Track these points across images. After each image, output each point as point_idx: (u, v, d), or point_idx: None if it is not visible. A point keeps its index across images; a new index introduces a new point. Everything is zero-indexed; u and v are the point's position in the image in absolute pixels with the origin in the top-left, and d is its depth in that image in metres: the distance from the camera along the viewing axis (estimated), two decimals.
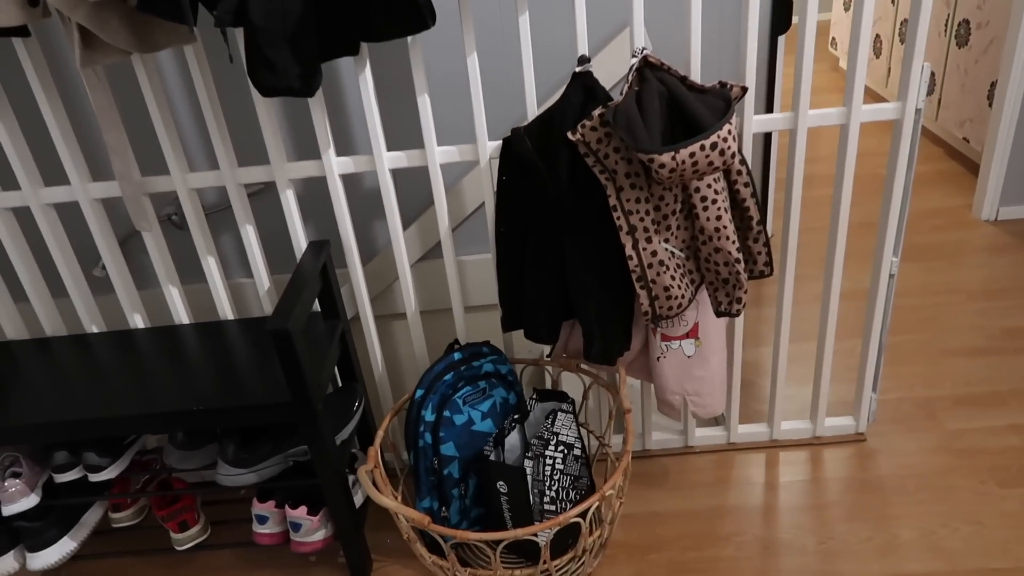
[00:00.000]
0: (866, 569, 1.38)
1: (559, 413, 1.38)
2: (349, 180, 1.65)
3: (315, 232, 1.72)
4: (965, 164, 2.90)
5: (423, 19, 1.15)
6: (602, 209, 1.26)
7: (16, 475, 1.36)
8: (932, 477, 1.56)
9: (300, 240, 1.47)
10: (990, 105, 2.54)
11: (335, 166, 1.39)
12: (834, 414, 1.71)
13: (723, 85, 1.20)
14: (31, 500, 1.37)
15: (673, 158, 1.08)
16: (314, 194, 1.67)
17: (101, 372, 1.41)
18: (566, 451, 1.35)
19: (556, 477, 1.33)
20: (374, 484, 1.32)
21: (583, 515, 1.23)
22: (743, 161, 1.27)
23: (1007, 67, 2.30)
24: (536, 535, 1.23)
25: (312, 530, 1.42)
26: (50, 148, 1.59)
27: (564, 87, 1.25)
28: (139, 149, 1.59)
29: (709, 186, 1.22)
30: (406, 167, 1.39)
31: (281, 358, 1.21)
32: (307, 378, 1.24)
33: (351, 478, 1.47)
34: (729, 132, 1.10)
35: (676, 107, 1.14)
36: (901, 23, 3.28)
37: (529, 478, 1.30)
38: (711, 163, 1.10)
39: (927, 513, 1.48)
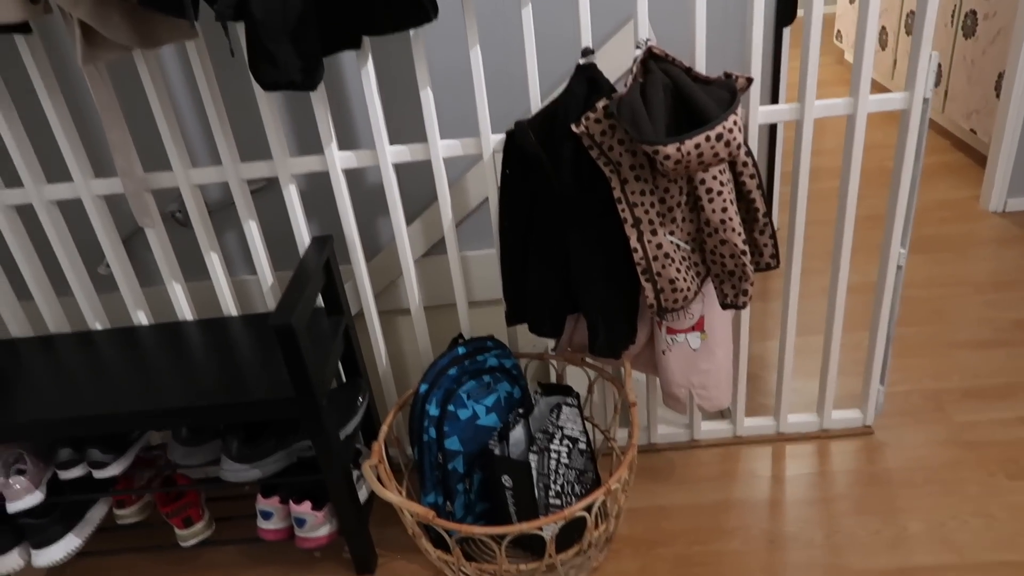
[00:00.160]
0: (874, 562, 1.37)
1: (564, 407, 1.37)
2: (352, 175, 1.64)
3: (318, 228, 1.72)
4: (972, 156, 2.89)
5: (425, 11, 1.15)
6: (606, 202, 1.25)
7: (20, 472, 1.36)
8: (940, 470, 1.55)
9: (303, 236, 1.46)
10: (997, 96, 2.52)
11: (338, 161, 1.38)
12: (841, 407, 1.70)
13: (728, 76, 1.19)
14: (36, 497, 1.37)
15: (678, 149, 1.07)
16: (317, 189, 1.67)
17: (105, 369, 1.41)
18: (571, 445, 1.34)
19: (561, 471, 1.32)
20: (378, 479, 1.32)
21: (588, 509, 1.22)
22: (749, 152, 1.26)
23: (1015, 58, 2.28)
24: (541, 529, 1.23)
25: (317, 525, 1.42)
26: (53, 145, 1.59)
27: (568, 79, 1.24)
28: (141, 145, 1.59)
29: (715, 178, 1.21)
30: (409, 161, 1.38)
31: (284, 354, 1.21)
32: (311, 374, 1.23)
33: (355, 473, 1.47)
34: (734, 123, 1.09)
35: (681, 98, 1.13)
36: (907, 15, 3.26)
37: (534, 472, 1.29)
38: (716, 154, 1.09)
39: (936, 506, 1.47)
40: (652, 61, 1.19)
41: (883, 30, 3.50)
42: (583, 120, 1.18)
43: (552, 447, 1.31)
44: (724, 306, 1.32)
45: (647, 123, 1.10)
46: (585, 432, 1.39)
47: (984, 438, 1.61)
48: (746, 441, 1.70)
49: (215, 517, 1.56)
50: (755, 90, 1.30)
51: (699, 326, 1.41)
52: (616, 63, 1.50)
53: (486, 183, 1.39)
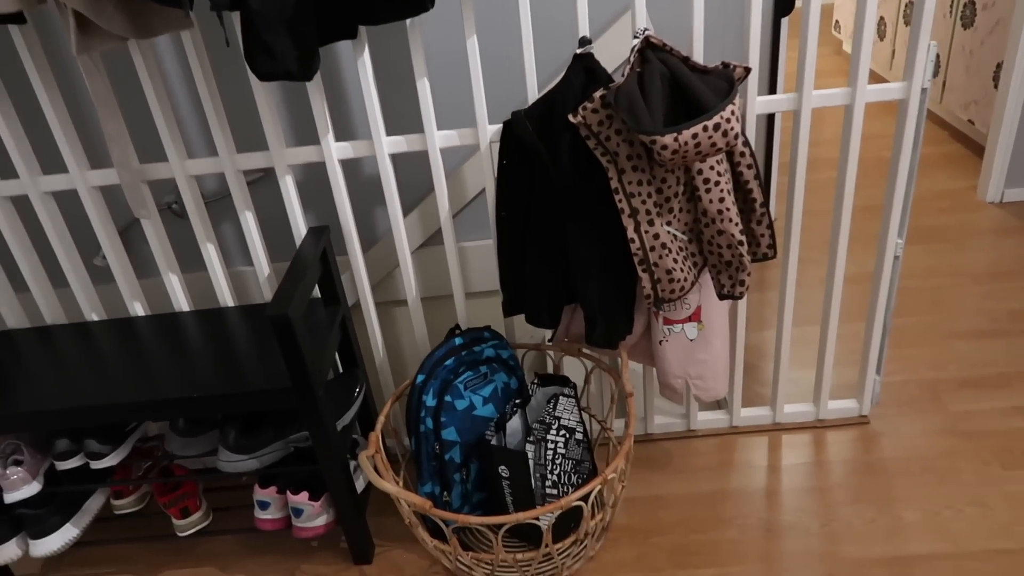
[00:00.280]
0: (870, 551, 1.38)
1: (561, 397, 1.37)
2: (349, 166, 1.64)
3: (315, 219, 1.71)
4: (970, 146, 2.88)
5: (422, 1, 1.14)
6: (604, 192, 1.25)
7: (18, 463, 1.37)
8: (936, 459, 1.55)
9: (300, 227, 1.46)
10: (996, 87, 2.52)
11: (334, 151, 1.38)
12: (837, 397, 1.70)
13: (726, 66, 1.19)
14: (33, 488, 1.37)
15: (676, 139, 1.07)
16: (314, 180, 1.67)
17: (102, 360, 1.41)
18: (568, 435, 1.35)
19: (558, 461, 1.33)
20: (375, 469, 1.32)
21: (585, 499, 1.23)
22: (746, 143, 1.26)
23: (1013, 48, 2.27)
24: (538, 519, 1.23)
25: (314, 515, 1.42)
26: (48, 136, 1.58)
27: (565, 69, 1.23)
28: (137, 136, 1.59)
29: (712, 168, 1.21)
30: (406, 152, 1.38)
31: (281, 345, 1.21)
32: (308, 364, 1.23)
33: (352, 464, 1.47)
34: (732, 113, 1.08)
35: (678, 88, 1.13)
36: (906, 5, 3.25)
37: (531, 462, 1.30)
38: (714, 144, 1.09)
39: (931, 495, 1.47)
40: (650, 51, 1.19)
41: (881, 20, 3.49)
42: (580, 110, 1.18)
43: (549, 437, 1.32)
44: (721, 296, 1.33)
45: (645, 113, 1.09)
46: (582, 422, 1.39)
47: (980, 428, 1.61)
48: (743, 431, 1.70)
49: (212, 507, 1.56)
50: (753, 80, 1.30)
51: (696, 316, 1.41)
52: (614, 53, 1.50)
53: (483, 173, 1.39)
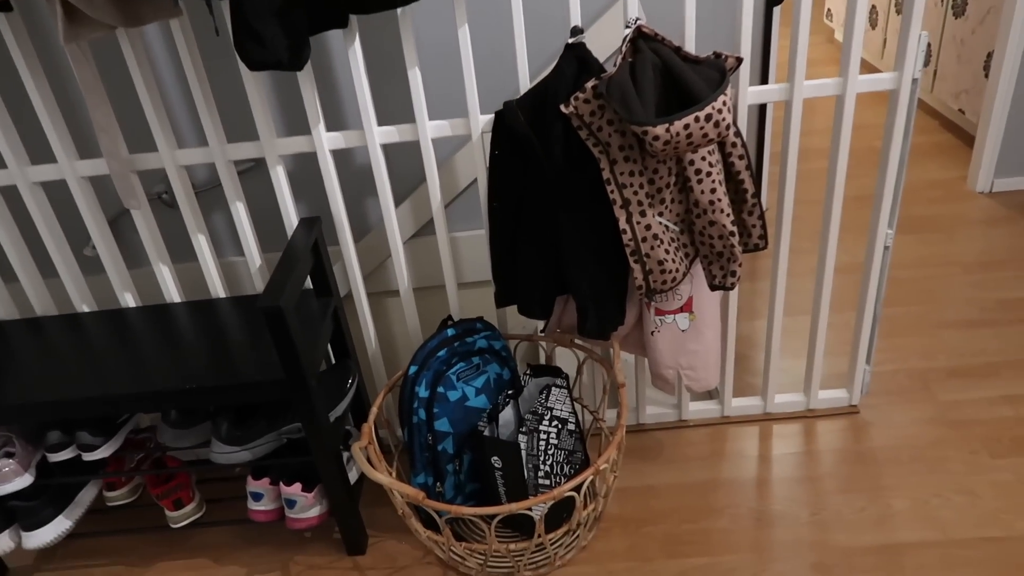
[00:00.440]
0: (859, 539, 1.39)
1: (553, 388, 1.38)
2: (340, 156, 1.63)
3: (306, 209, 1.71)
4: (961, 136, 2.89)
5: None
6: (596, 183, 1.25)
7: (9, 455, 1.36)
8: (925, 448, 1.56)
9: (291, 217, 1.45)
10: (986, 76, 2.53)
11: (325, 141, 1.37)
12: (828, 387, 1.71)
13: (718, 56, 1.18)
14: (25, 480, 1.37)
15: (667, 130, 1.07)
16: (305, 170, 1.66)
17: (93, 351, 1.40)
18: (560, 426, 1.35)
19: (550, 452, 1.33)
20: (368, 460, 1.33)
21: (577, 489, 1.23)
22: (738, 133, 1.26)
23: (1004, 37, 2.28)
24: (531, 509, 1.24)
25: (307, 507, 1.42)
26: (36, 126, 1.57)
27: (557, 59, 1.23)
28: (126, 126, 1.57)
29: (704, 159, 1.21)
30: (397, 142, 1.37)
31: (273, 336, 1.20)
32: (300, 355, 1.23)
33: (345, 455, 1.47)
34: (724, 103, 1.08)
35: (670, 78, 1.13)
36: None
37: (523, 453, 1.30)
38: (706, 135, 1.09)
39: (920, 484, 1.49)
40: (642, 40, 1.18)
41: (873, 9, 3.49)
42: (572, 100, 1.17)
43: (541, 428, 1.32)
44: (713, 287, 1.33)
45: (637, 103, 1.09)
46: (574, 413, 1.39)
47: (968, 417, 1.63)
48: (734, 421, 1.71)
49: (205, 498, 1.56)
50: (744, 70, 1.30)
51: (688, 307, 1.42)
52: (606, 42, 1.49)
53: (475, 164, 1.39)
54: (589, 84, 1.16)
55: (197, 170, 1.66)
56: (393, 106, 1.58)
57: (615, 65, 1.15)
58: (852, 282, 2.11)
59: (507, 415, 1.38)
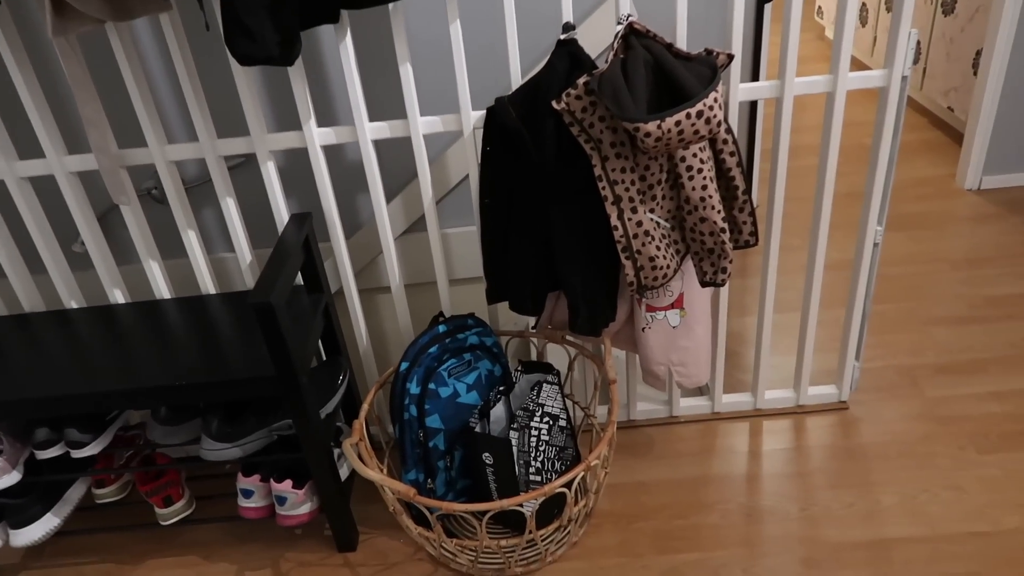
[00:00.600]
0: (848, 535, 1.40)
1: (544, 384, 1.38)
2: (331, 152, 1.63)
3: (297, 205, 1.70)
4: (949, 133, 2.91)
5: None
6: (587, 179, 1.25)
7: None
8: (913, 444, 1.57)
9: (282, 213, 1.45)
10: (975, 74, 2.54)
11: (316, 137, 1.36)
12: (817, 383, 1.72)
13: (709, 53, 1.19)
14: (13, 477, 1.36)
15: (659, 127, 1.07)
16: (296, 166, 1.65)
17: (82, 348, 1.39)
18: (551, 422, 1.35)
19: (541, 448, 1.33)
20: (359, 457, 1.32)
21: (568, 485, 1.23)
22: (729, 130, 1.26)
23: (992, 35, 2.29)
24: (522, 505, 1.24)
25: (298, 503, 1.42)
26: (24, 120, 1.55)
27: (549, 55, 1.23)
28: (116, 121, 1.56)
29: (695, 155, 1.21)
30: (389, 138, 1.37)
31: (264, 332, 1.20)
32: (291, 352, 1.23)
33: (336, 451, 1.47)
34: (715, 100, 1.09)
35: (662, 75, 1.13)
36: None
37: (515, 449, 1.30)
38: (697, 132, 1.09)
39: (908, 479, 1.50)
40: (633, 37, 1.19)
41: (863, 7, 3.50)
42: (564, 97, 1.17)
43: (533, 424, 1.32)
44: (703, 284, 1.33)
45: (628, 100, 1.09)
46: (565, 409, 1.40)
47: (956, 413, 1.64)
48: (724, 417, 1.72)
49: (195, 496, 1.55)
50: (736, 67, 1.30)
51: (678, 304, 1.42)
52: (597, 39, 1.49)
53: (467, 160, 1.39)
54: (581, 80, 1.16)
55: (187, 165, 1.65)
56: (384, 102, 1.58)
57: (607, 62, 1.15)
58: (842, 279, 2.12)
59: (498, 411, 1.38)
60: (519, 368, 1.46)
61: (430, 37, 1.52)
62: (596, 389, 1.57)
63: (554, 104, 1.19)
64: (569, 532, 1.43)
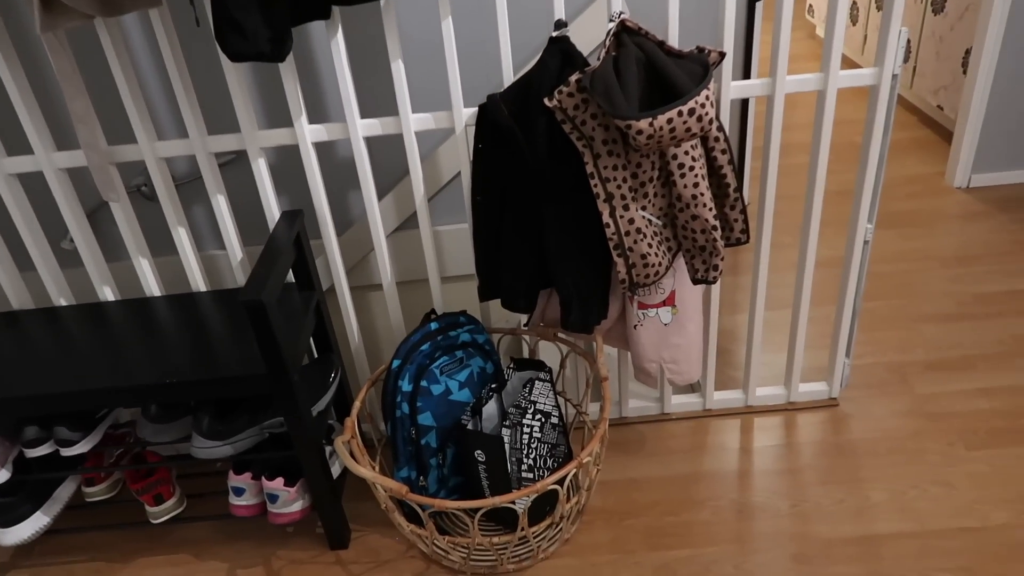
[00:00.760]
0: (838, 530, 1.41)
1: (536, 382, 1.38)
2: (322, 149, 1.62)
3: (288, 202, 1.69)
4: (939, 132, 2.92)
5: None
6: (579, 177, 1.25)
7: None
8: (903, 440, 1.58)
9: (273, 210, 1.44)
10: (964, 73, 2.56)
11: (308, 134, 1.36)
12: (808, 380, 1.73)
13: (701, 50, 1.19)
14: (2, 475, 1.35)
15: (651, 124, 1.07)
16: (287, 163, 1.64)
17: (71, 345, 1.38)
18: (543, 419, 1.35)
19: (534, 445, 1.33)
20: (351, 455, 1.32)
21: (561, 482, 1.24)
22: (720, 128, 1.26)
23: (982, 34, 2.30)
24: (514, 503, 1.24)
25: (289, 501, 1.42)
26: (12, 116, 1.54)
27: (541, 52, 1.23)
28: (105, 117, 1.55)
29: (686, 153, 1.21)
30: (380, 135, 1.37)
31: (256, 330, 1.20)
32: (282, 350, 1.22)
33: (328, 449, 1.47)
34: (707, 98, 1.09)
35: (654, 72, 1.13)
36: None
37: (507, 447, 1.30)
38: (689, 129, 1.09)
39: (898, 475, 1.51)
40: (625, 34, 1.19)
41: (854, 5, 3.51)
42: (556, 94, 1.17)
43: (525, 421, 1.32)
44: (695, 281, 1.34)
45: (620, 97, 1.09)
46: (557, 406, 1.40)
47: (945, 409, 1.65)
48: (715, 414, 1.72)
49: (187, 494, 1.55)
50: (727, 65, 1.30)
51: (670, 301, 1.42)
52: (589, 36, 1.49)
53: (459, 157, 1.38)
54: (573, 78, 1.16)
55: (177, 162, 1.64)
56: (376, 99, 1.57)
57: (599, 59, 1.15)
58: (832, 276, 2.13)
59: (490, 409, 1.38)
60: (511, 365, 1.46)
61: (422, 34, 1.51)
62: (588, 386, 1.57)
63: (546, 101, 1.19)
64: (561, 529, 1.43)
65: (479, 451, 1.33)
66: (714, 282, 1.32)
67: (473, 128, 1.32)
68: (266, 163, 1.41)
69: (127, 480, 1.46)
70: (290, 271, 1.49)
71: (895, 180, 2.63)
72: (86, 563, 1.52)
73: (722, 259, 1.29)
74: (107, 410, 1.44)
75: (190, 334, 1.38)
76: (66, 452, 1.36)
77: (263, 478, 1.40)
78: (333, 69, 1.53)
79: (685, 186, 1.22)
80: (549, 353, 1.73)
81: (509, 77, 1.30)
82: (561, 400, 1.65)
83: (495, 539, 1.30)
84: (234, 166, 1.63)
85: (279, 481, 1.39)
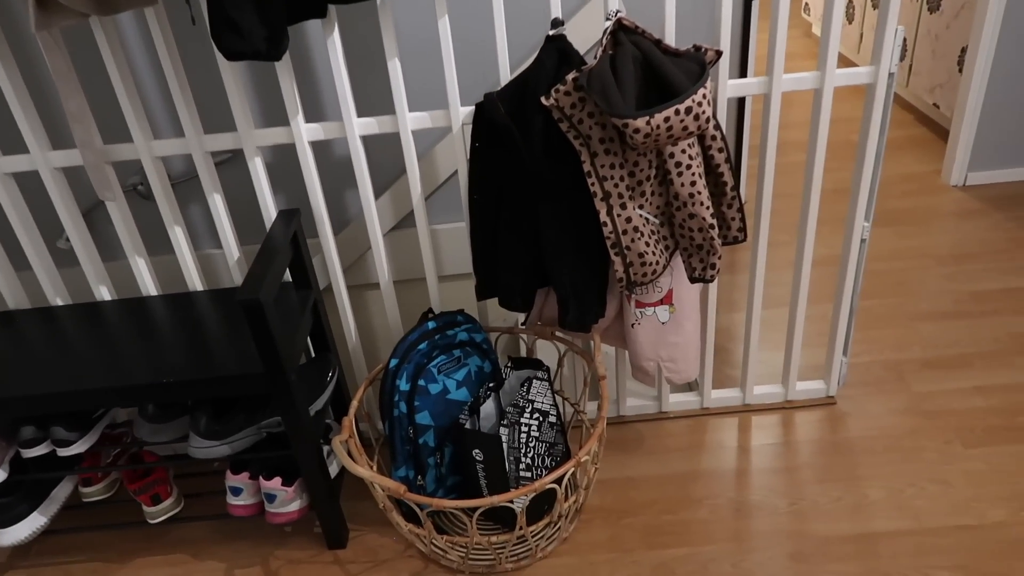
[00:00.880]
0: (836, 529, 1.41)
1: (534, 381, 1.38)
2: (319, 147, 1.62)
3: (285, 201, 1.69)
4: (935, 130, 2.93)
5: None
6: (577, 175, 1.25)
7: None
8: (900, 438, 1.59)
9: (270, 209, 1.44)
10: (960, 71, 2.56)
11: (304, 133, 1.36)
12: (805, 378, 1.73)
13: (698, 49, 1.19)
14: None
15: (648, 123, 1.07)
16: (283, 162, 1.64)
17: (67, 345, 1.38)
18: (541, 418, 1.35)
19: (531, 444, 1.33)
20: (349, 454, 1.32)
21: (559, 481, 1.24)
22: (717, 126, 1.26)
23: (977, 32, 2.31)
24: (512, 502, 1.24)
25: (287, 501, 1.41)
26: (7, 115, 1.54)
27: (538, 51, 1.23)
28: (101, 116, 1.55)
29: (683, 151, 1.21)
30: (377, 134, 1.36)
31: (253, 329, 1.19)
32: (279, 349, 1.22)
33: (326, 448, 1.46)
34: (704, 96, 1.09)
35: (651, 71, 1.13)
36: None
37: (505, 446, 1.30)
38: (686, 128, 1.09)
39: (895, 473, 1.51)
40: (622, 33, 1.18)
41: (850, 4, 3.52)
42: (553, 93, 1.17)
43: (523, 420, 1.32)
44: (692, 280, 1.34)
45: (617, 96, 1.09)
46: (555, 405, 1.40)
47: (942, 407, 1.65)
48: (713, 412, 1.72)
49: (184, 494, 1.55)
50: (724, 63, 1.30)
51: (668, 299, 1.42)
52: (586, 35, 1.49)
53: (456, 156, 1.38)
54: (570, 76, 1.16)
55: (173, 161, 1.64)
56: (373, 97, 1.57)
57: (595, 57, 1.15)
58: (829, 274, 2.14)
59: (488, 408, 1.38)
60: (509, 364, 1.46)
61: (418, 32, 1.51)
62: (586, 385, 1.57)
63: (543, 100, 1.19)
64: (559, 528, 1.43)
65: (477, 450, 1.33)
66: (711, 280, 1.32)
67: (470, 127, 1.32)
68: (262, 162, 1.40)
69: (124, 480, 1.46)
70: (287, 270, 1.49)
71: (891, 178, 2.64)
72: (83, 563, 1.52)
73: (719, 257, 1.29)
74: (104, 410, 1.43)
75: (187, 333, 1.38)
76: (63, 452, 1.36)
77: (261, 478, 1.39)
78: (329, 68, 1.53)
79: (682, 184, 1.22)
80: (547, 352, 1.73)
81: (506, 76, 1.30)
82: (559, 399, 1.65)
83: (493, 538, 1.30)
84: (230, 165, 1.63)
85: (277, 481, 1.39)
